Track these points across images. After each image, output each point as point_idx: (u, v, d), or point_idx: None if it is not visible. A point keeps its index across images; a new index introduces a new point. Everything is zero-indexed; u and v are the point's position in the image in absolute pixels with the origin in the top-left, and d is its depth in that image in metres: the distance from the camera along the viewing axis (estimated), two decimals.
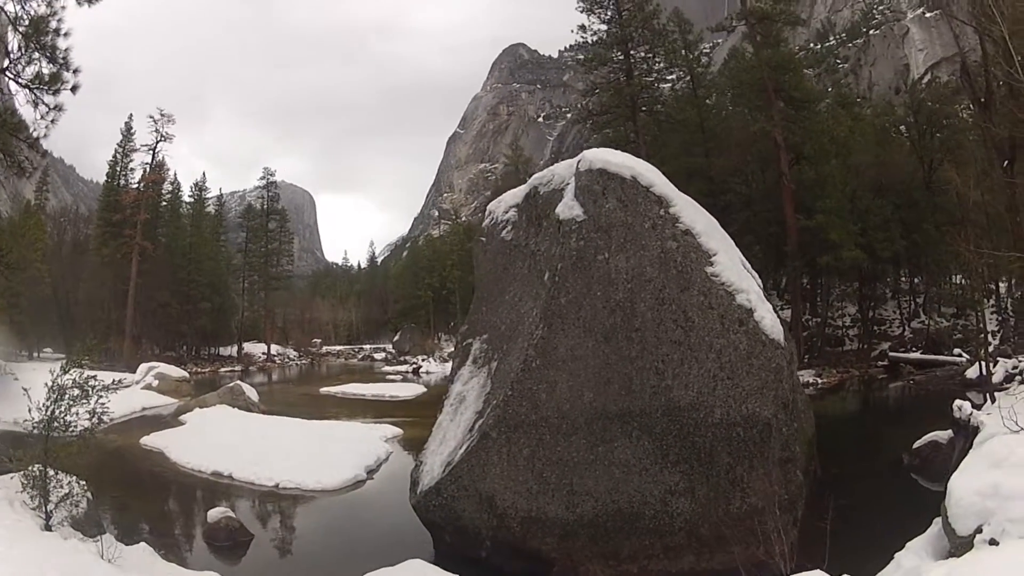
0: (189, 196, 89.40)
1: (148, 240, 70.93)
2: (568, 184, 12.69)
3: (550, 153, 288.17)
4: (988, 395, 19.75)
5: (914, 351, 44.08)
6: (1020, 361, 25.59)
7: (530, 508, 11.19)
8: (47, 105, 17.92)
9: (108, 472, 18.65)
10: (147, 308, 71.36)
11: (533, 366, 11.34)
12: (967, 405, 18.53)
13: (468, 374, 13.73)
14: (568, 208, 12.08)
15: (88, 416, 12.65)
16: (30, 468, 12.13)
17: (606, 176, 11.96)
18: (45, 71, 17.71)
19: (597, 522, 11.03)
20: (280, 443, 23.71)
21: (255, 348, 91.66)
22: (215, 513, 15.16)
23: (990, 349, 24.98)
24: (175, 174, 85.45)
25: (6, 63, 17.60)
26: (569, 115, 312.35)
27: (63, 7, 17.52)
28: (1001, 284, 45.61)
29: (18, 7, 17.15)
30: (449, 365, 60.15)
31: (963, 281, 52.91)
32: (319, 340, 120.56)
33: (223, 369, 74.44)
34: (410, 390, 45.80)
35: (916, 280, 57.69)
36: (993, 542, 8.01)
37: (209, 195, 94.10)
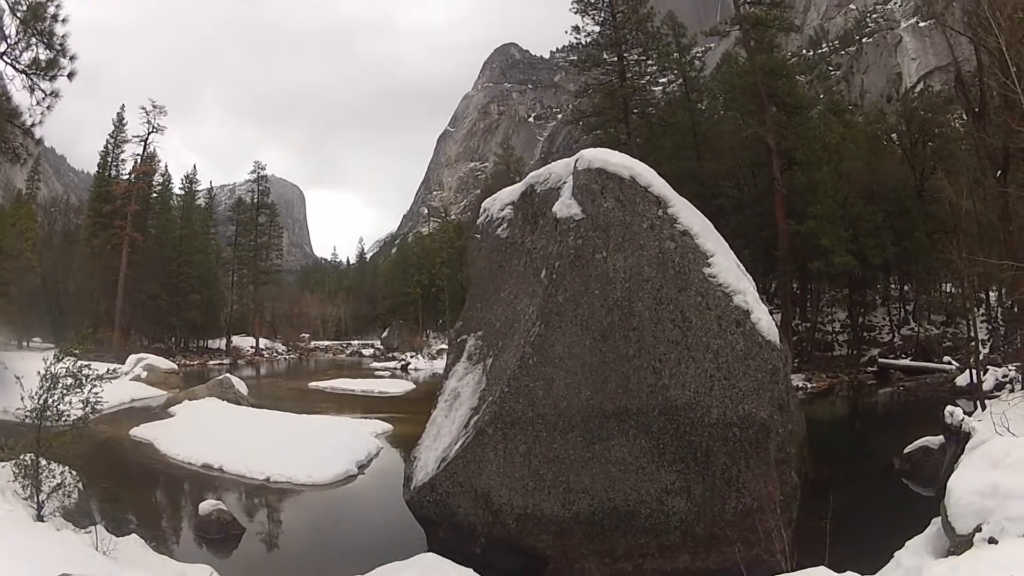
0: (180, 188, 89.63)
1: (138, 232, 71.08)
2: (565, 183, 12.65)
3: (540, 153, 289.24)
4: (979, 402, 19.79)
5: (904, 358, 44.28)
6: (1010, 369, 25.63)
7: (526, 505, 11.15)
8: (43, 91, 17.92)
9: (98, 463, 18.32)
10: (136, 299, 71.50)
11: (530, 363, 11.30)
12: (959, 411, 18.58)
13: (463, 370, 13.68)
14: (566, 206, 12.06)
15: (82, 405, 12.58)
16: (21, 457, 12.08)
17: (605, 175, 11.95)
18: (42, 57, 17.68)
19: (593, 520, 11.01)
20: (270, 437, 23.63)
21: (244, 342, 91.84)
22: (206, 506, 15.04)
23: (980, 357, 25.08)
24: (166, 166, 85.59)
25: (3, 48, 17.55)
26: (560, 116, 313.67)
27: None
28: (991, 293, 45.83)
29: None
30: (438, 362, 60.76)
31: (953, 289, 53.22)
32: (307, 335, 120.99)
33: (212, 362, 74.45)
34: (399, 386, 45.70)
35: (906, 287, 58.00)
36: (992, 540, 8.14)
37: (199, 188, 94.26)
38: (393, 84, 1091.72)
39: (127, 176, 75.34)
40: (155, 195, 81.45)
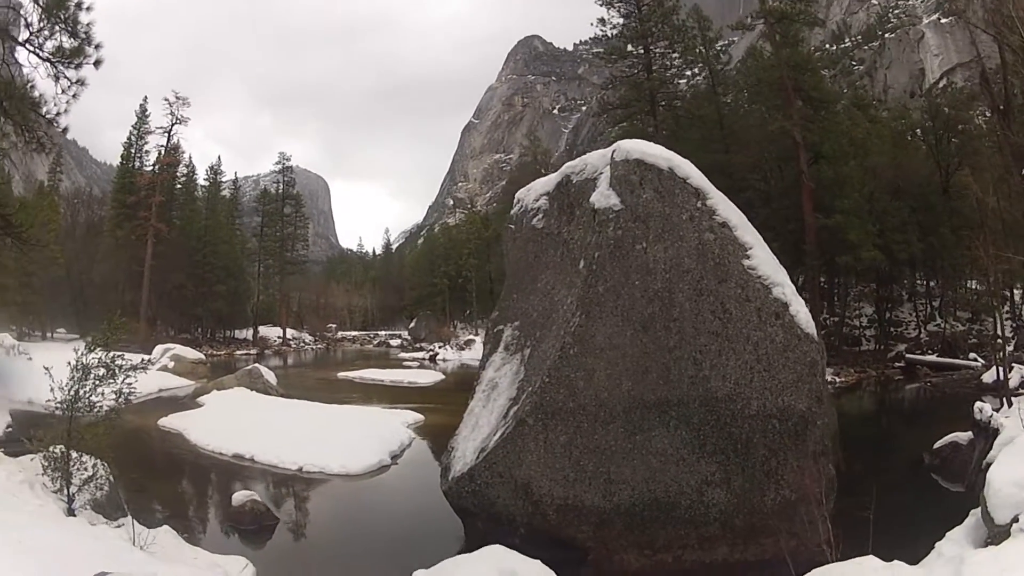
0: (204, 179, 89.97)
1: (163, 222, 71.59)
2: (602, 173, 12.60)
3: (565, 145, 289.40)
4: (1005, 399, 19.70)
5: (930, 354, 44.01)
6: None
7: (566, 496, 11.17)
8: (69, 79, 17.82)
9: (127, 453, 18.06)
10: (162, 290, 72.09)
11: (570, 353, 11.29)
12: (988, 407, 18.50)
13: (500, 360, 13.67)
14: (604, 197, 12.01)
15: (115, 396, 12.40)
16: (51, 449, 11.94)
17: (643, 166, 11.90)
18: (67, 45, 17.61)
19: (633, 511, 11.03)
20: (301, 426, 23.60)
21: (270, 332, 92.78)
22: (240, 496, 14.90)
23: (1006, 354, 24.92)
24: (190, 157, 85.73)
25: (26, 35, 17.55)
26: (584, 108, 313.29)
27: None
28: (1016, 291, 45.59)
29: None
30: (466, 353, 60.98)
31: (978, 286, 52.95)
32: (334, 325, 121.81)
33: (238, 352, 74.99)
34: (428, 377, 45.73)
35: (932, 283, 57.67)
36: None
37: (224, 179, 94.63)
38: (417, 75, 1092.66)
39: (151, 167, 75.80)
40: (179, 186, 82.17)
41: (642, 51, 51.52)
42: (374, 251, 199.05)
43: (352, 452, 19.51)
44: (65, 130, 19.21)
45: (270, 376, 35.17)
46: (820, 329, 41.18)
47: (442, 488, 12.99)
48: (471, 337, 73.82)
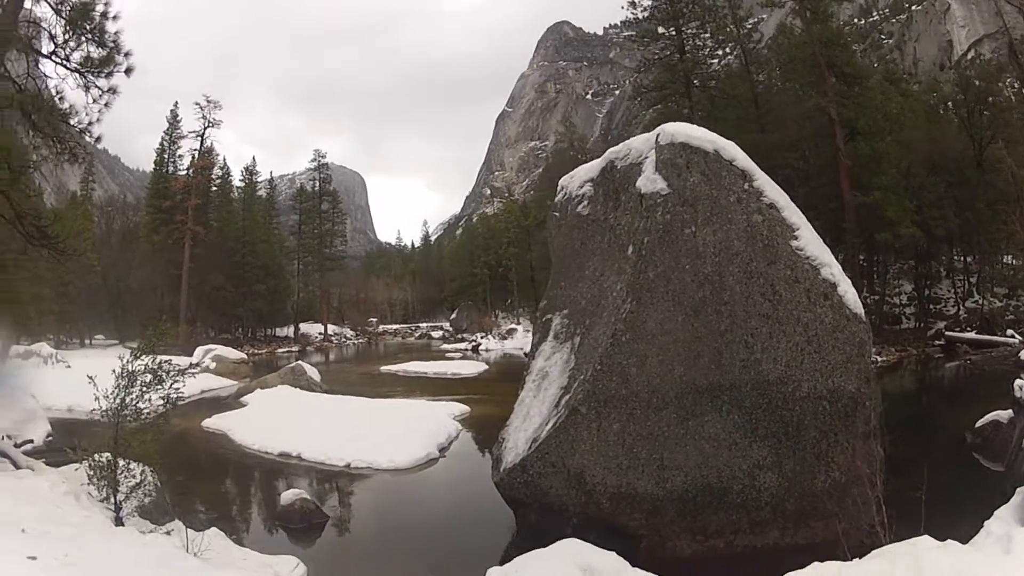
0: (240, 180, 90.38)
1: (200, 225, 72.14)
2: (647, 158, 12.45)
3: (600, 129, 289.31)
4: None
5: (969, 331, 43.66)
6: None
7: (620, 484, 11.14)
8: (100, 88, 17.78)
9: (171, 456, 17.97)
10: (201, 292, 72.74)
11: (622, 340, 11.23)
12: None
13: (550, 349, 13.62)
14: (651, 182, 11.90)
15: (162, 402, 12.29)
16: (96, 458, 11.78)
17: (689, 150, 11.78)
18: (95, 55, 17.63)
19: (686, 497, 11.00)
20: (347, 422, 23.68)
21: (311, 328, 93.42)
22: (288, 495, 14.85)
23: None
24: (224, 159, 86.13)
25: (50, 48, 17.58)
26: (617, 91, 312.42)
27: None
28: None
29: None
30: (508, 342, 61.04)
31: (1014, 261, 52.41)
32: (375, 319, 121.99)
33: (280, 350, 75.19)
34: (472, 367, 45.92)
35: (969, 259, 57.08)
36: None
37: (260, 179, 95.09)
38: (448, 66, 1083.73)
39: (185, 171, 76.51)
40: (215, 188, 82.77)
41: (674, 32, 51.40)
42: (412, 244, 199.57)
43: (399, 446, 19.52)
44: (99, 139, 19.19)
45: (313, 373, 35.32)
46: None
47: (493, 479, 12.96)
48: (513, 326, 73.95)
